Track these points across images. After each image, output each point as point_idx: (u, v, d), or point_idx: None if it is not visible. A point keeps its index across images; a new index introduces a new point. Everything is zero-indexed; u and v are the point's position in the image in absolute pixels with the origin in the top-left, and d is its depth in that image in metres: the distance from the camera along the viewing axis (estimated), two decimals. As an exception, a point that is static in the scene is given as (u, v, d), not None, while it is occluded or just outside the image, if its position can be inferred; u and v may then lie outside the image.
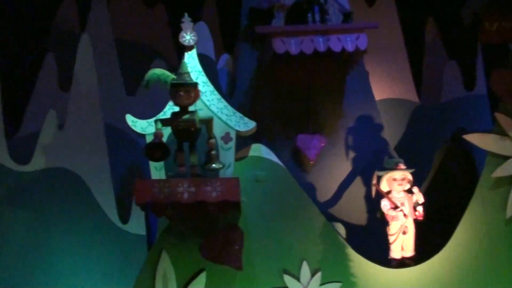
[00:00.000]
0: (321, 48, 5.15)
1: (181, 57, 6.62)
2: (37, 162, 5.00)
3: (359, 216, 5.21)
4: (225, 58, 6.16)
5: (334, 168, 5.47)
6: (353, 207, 5.26)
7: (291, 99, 5.53)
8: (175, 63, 6.63)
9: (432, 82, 7.07)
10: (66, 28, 7.05)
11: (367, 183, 5.37)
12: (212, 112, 4.27)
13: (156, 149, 3.83)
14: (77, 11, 7.21)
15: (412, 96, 6.80)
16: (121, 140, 6.06)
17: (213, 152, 4.04)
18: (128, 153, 6.06)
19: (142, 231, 5.28)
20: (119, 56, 6.74)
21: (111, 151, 5.49)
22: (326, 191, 5.38)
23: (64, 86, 6.39)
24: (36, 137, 5.20)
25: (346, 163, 5.50)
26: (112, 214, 5.19)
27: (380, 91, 6.36)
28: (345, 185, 5.44)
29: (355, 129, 5.62)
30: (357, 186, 5.39)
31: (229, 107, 4.35)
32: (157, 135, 3.90)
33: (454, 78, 6.71)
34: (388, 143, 5.68)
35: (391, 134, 6.06)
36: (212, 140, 4.03)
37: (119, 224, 5.19)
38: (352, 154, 5.54)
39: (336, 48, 5.16)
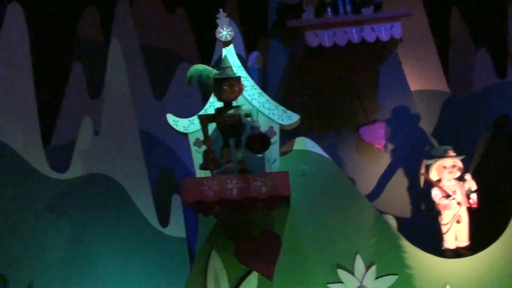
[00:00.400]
0: (355, 39, 5.00)
1: (204, 59, 6.62)
2: (76, 169, 4.90)
3: (404, 208, 5.05)
4: (254, 55, 6.02)
5: (372, 161, 5.33)
6: (396, 199, 5.10)
7: (326, 93, 5.41)
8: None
9: (461, 72, 6.92)
10: (90, 37, 7.02)
11: (409, 175, 5.21)
12: (254, 107, 4.14)
13: (257, 140, 3.75)
14: (99, 19, 7.20)
15: (442, 86, 6.64)
16: (153, 144, 5.99)
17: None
18: (160, 157, 5.99)
19: (182, 234, 5.18)
20: (144, 61, 6.68)
21: (145, 155, 5.39)
22: (366, 185, 5.25)
23: (93, 93, 6.36)
24: (71, 145, 5.12)
25: (384, 155, 5.36)
26: (152, 218, 5.09)
27: (411, 82, 6.23)
28: (386, 178, 5.29)
29: (391, 121, 5.48)
30: (399, 178, 5.24)
31: (271, 101, 4.21)
32: (254, 126, 3.84)
33: (485, 67, 6.55)
34: (427, 133, 5.53)
35: (426, 125, 5.92)
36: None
37: (159, 227, 5.10)
38: (390, 146, 5.40)
39: (370, 38, 5.01)
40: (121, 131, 5.23)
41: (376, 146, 5.30)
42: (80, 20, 7.12)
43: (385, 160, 5.35)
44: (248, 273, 3.99)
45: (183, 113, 4.90)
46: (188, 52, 7.30)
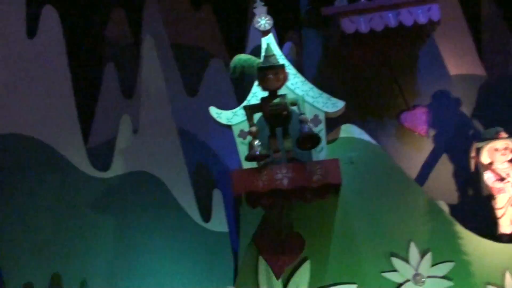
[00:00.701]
0: (392, 23, 4.85)
1: (232, 54, 6.55)
2: (117, 168, 4.84)
3: (452, 194, 4.88)
4: (288, 46, 5.90)
5: (415, 148, 5.18)
6: (443, 185, 4.94)
7: (363, 80, 5.27)
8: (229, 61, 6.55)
9: (495, 55, 6.72)
10: (119, 38, 6.98)
11: (454, 160, 5.05)
12: (299, 96, 4.02)
13: (307, 139, 3.64)
14: (127, 20, 7.16)
15: (478, 70, 6.43)
16: (188, 141, 5.93)
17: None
18: (196, 153, 5.92)
19: (225, 228, 5.09)
20: (175, 59, 6.62)
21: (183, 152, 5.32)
22: (409, 172, 5.07)
23: (127, 93, 6.32)
24: (110, 144, 5.07)
25: (427, 141, 5.20)
26: (194, 213, 5.00)
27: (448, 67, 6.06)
28: (431, 164, 5.13)
29: (432, 106, 5.32)
30: (444, 164, 5.08)
31: (314, 88, 4.09)
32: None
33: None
34: (469, 117, 5.36)
35: (466, 109, 5.74)
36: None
37: (201, 223, 5.02)
38: (432, 132, 5.24)
39: (408, 21, 4.85)
40: (159, 128, 5.16)
41: (418, 132, 5.14)
42: (109, 21, 7.07)
43: (427, 146, 5.20)
44: (300, 265, 3.87)
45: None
46: (217, 47, 7.23)
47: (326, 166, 3.66)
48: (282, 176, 3.65)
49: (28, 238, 3.76)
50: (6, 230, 3.55)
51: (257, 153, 3.65)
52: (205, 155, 5.96)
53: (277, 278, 3.89)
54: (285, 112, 3.74)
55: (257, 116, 3.87)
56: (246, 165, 3.97)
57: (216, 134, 5.77)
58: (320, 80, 5.54)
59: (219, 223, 5.07)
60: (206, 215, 5.12)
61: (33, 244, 3.76)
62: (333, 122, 4.26)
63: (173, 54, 6.64)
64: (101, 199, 4.62)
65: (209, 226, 5.04)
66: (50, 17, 5.13)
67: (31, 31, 5.03)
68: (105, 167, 4.85)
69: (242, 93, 5.47)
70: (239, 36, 7.07)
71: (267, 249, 3.96)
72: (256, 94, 4.05)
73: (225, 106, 4.44)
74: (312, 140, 3.68)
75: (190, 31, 7.35)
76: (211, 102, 6.09)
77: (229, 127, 4.15)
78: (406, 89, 5.30)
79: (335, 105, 4.05)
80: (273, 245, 3.97)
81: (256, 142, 3.72)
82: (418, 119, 5.16)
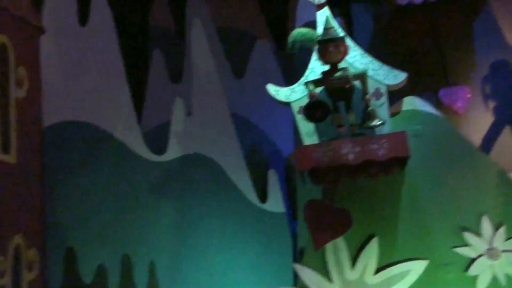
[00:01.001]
0: (447, -7, 4.65)
1: (277, 36, 6.40)
2: (173, 151, 4.77)
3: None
4: (338, 22, 5.72)
5: (476, 120, 4.94)
6: (507, 157, 4.70)
7: (417, 52, 5.05)
8: (273, 43, 6.42)
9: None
10: (164, 23, 6.91)
11: (517, 131, 4.81)
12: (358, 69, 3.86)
13: (316, 108, 3.47)
14: (169, 5, 7.09)
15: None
16: (238, 123, 5.84)
17: (370, 108, 3.61)
18: (247, 134, 5.83)
19: (281, 209, 4.99)
20: (221, 42, 6.53)
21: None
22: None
23: (174, 77, 6.27)
24: (164, 128, 5.02)
25: (487, 113, 4.96)
26: (250, 195, 4.92)
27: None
28: (492, 137, 4.89)
29: (491, 77, 5.06)
30: (507, 137, 4.84)
31: (374, 61, 3.91)
32: (313, 95, 3.52)
33: None
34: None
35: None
36: (369, 96, 3.60)
37: (258, 204, 4.93)
38: (492, 104, 5.00)
39: (462, -10, 4.64)
40: (212, 110, 5.08)
41: (455, 109, 4.88)
42: (153, 6, 7.01)
43: (488, 119, 4.96)
44: (368, 240, 3.73)
45: (263, 92, 4.69)
46: (262, 29, 7.07)
47: (393, 139, 3.51)
48: (348, 151, 3.51)
49: (97, 222, 3.75)
50: (76, 216, 3.55)
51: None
52: (256, 137, 5.87)
53: (316, 249, 3.79)
54: (347, 86, 3.60)
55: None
56: (308, 142, 3.88)
57: (265, 116, 5.67)
58: (372, 54, 5.41)
59: (275, 203, 4.96)
60: (262, 196, 5.08)
61: (102, 228, 3.74)
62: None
63: (218, 37, 6.58)
64: (159, 182, 4.57)
65: (266, 206, 4.96)
66: (100, 4, 5.11)
67: (83, 19, 5.02)
68: (161, 150, 4.84)
69: (291, 72, 5.35)
70: (282, 16, 6.94)
71: (313, 218, 3.86)
72: (314, 69, 3.91)
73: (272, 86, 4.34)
74: (321, 109, 3.51)
75: (235, 13, 7.26)
76: (258, 83, 6.01)
77: (287, 104, 4.04)
78: (461, 61, 5.07)
79: (397, 77, 3.86)
80: (320, 217, 3.86)
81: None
82: (458, 97, 4.91)
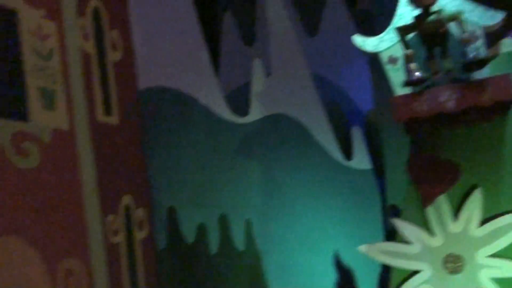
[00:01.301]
0: None
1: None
2: (255, 112, 4.71)
3: None
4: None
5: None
6: None
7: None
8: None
9: None
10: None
11: None
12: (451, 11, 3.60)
13: (475, 63, 3.29)
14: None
15: None
16: (318, 80, 5.69)
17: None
18: (325, 92, 5.68)
19: (367, 166, 4.86)
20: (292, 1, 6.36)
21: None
22: None
23: (247, 40, 6.18)
24: (243, 90, 4.96)
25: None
26: (335, 153, 4.81)
27: None
28: None
29: None
30: None
31: (468, 1, 3.64)
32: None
33: None
34: None
35: None
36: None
37: (343, 161, 4.82)
38: None
39: None
40: (291, 69, 4.96)
41: None
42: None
43: None
44: (470, 193, 3.54)
45: (338, 48, 4.50)
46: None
47: (496, 83, 3.25)
48: (447, 98, 3.29)
49: (193, 183, 3.77)
50: (173, 177, 3.59)
51: (416, 76, 3.34)
52: (334, 94, 5.72)
53: (425, 206, 3.62)
54: (442, 29, 3.36)
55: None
56: (400, 92, 3.70)
57: (343, 72, 5.50)
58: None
59: (361, 160, 4.84)
60: (347, 153, 4.97)
61: (198, 188, 3.77)
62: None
63: (289, -5, 6.42)
64: (245, 144, 4.55)
65: (352, 164, 4.87)
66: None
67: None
68: (243, 112, 4.79)
69: (365, 25, 5.12)
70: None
71: (419, 173, 3.68)
72: (403, 15, 3.69)
73: (347, 42, 4.16)
74: (480, 64, 3.30)
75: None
76: (332, 39, 5.86)
77: (375, 55, 3.86)
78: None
79: (493, 18, 3.58)
80: (426, 171, 3.67)
81: (413, 65, 3.41)
82: None
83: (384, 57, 3.83)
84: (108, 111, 2.80)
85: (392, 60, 3.76)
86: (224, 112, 4.70)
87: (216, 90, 4.85)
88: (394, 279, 3.85)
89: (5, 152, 2.34)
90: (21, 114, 2.44)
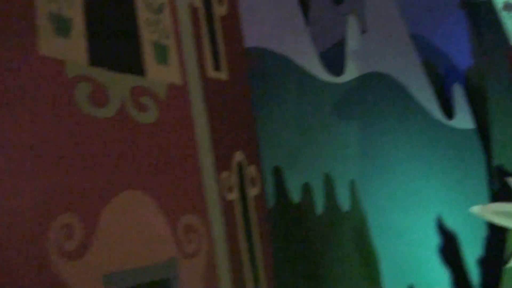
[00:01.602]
0: None
1: None
2: (351, 71, 4.47)
3: None
4: None
5: None
6: None
7: None
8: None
9: None
10: None
11: None
12: None
13: None
14: None
15: None
16: (414, 38, 5.34)
17: None
18: (423, 49, 5.33)
19: (470, 125, 4.53)
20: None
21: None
22: None
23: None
24: (336, 48, 4.72)
25: None
26: (435, 112, 4.52)
27: None
28: None
29: None
30: None
31: None
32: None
33: None
34: None
35: None
36: None
37: (444, 121, 4.52)
38: None
39: None
40: (386, 26, 4.67)
41: None
42: None
43: None
44: None
45: (434, 3, 4.12)
46: None
47: None
48: None
49: (295, 143, 3.63)
50: (277, 139, 3.46)
51: None
52: (432, 52, 5.37)
53: None
54: None
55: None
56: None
57: (439, 29, 5.14)
58: None
59: (463, 119, 4.54)
60: (448, 112, 4.66)
61: (300, 148, 3.63)
62: None
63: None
64: (341, 104, 4.34)
65: (453, 123, 4.56)
66: None
67: None
68: (338, 71, 4.57)
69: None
70: None
71: None
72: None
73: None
74: None
75: None
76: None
77: (477, 6, 3.53)
78: None
79: None
80: None
81: None
82: None
83: (499, 3, 3.50)
84: (217, 66, 2.69)
85: (507, 7, 3.42)
86: (319, 72, 4.56)
87: (310, 49, 4.66)
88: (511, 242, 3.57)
89: (125, 107, 2.29)
90: (138, 69, 2.38)
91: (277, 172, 3.29)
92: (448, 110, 4.70)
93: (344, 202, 3.63)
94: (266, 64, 4.27)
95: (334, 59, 4.83)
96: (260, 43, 4.39)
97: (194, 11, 2.61)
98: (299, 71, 4.45)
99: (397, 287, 3.84)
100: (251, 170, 2.73)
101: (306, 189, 3.40)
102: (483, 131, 4.62)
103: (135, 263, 2.15)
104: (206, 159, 2.51)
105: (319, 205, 3.42)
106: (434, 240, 4.28)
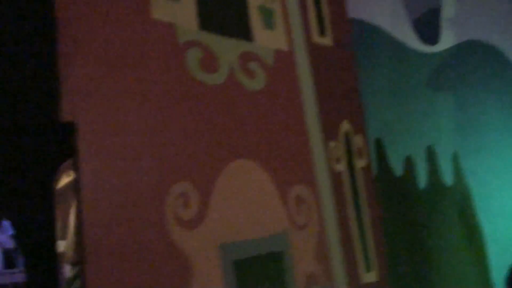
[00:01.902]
0: None
1: None
2: (447, 39, 4.15)
3: None
4: None
5: None
6: None
7: None
8: None
9: None
10: None
11: None
12: None
13: None
14: None
15: None
16: None
17: None
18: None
19: None
20: None
21: None
22: None
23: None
24: (430, 16, 4.39)
25: None
26: (540, 82, 4.13)
27: None
28: None
29: None
30: None
31: None
32: None
33: None
34: None
35: None
36: None
37: (550, 91, 4.13)
38: None
39: None
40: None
41: None
42: None
43: None
44: None
45: None
46: None
47: None
48: None
49: (393, 116, 3.41)
50: (376, 111, 3.26)
51: None
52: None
53: None
54: None
55: None
56: None
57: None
58: None
59: None
60: (554, 82, 4.25)
61: (401, 121, 3.41)
62: None
63: None
64: (437, 74, 4.04)
65: (559, 93, 4.18)
66: None
67: None
68: (433, 40, 4.25)
69: None
70: None
71: None
72: None
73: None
74: None
75: None
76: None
77: None
78: None
79: None
80: None
81: None
82: None
83: None
84: (322, 31, 2.51)
85: None
86: (413, 41, 4.26)
87: (403, 18, 4.37)
88: None
89: (234, 73, 2.17)
90: (245, 34, 2.25)
91: (378, 145, 3.10)
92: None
93: (447, 176, 3.37)
94: (359, 35, 4.04)
95: (428, 26, 4.51)
96: (353, 14, 4.16)
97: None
98: (392, 42, 4.18)
99: (503, 264, 3.56)
100: (358, 140, 2.54)
101: (408, 162, 3.19)
102: None
103: (249, 234, 2.04)
104: (314, 128, 2.35)
105: (422, 179, 3.20)
106: (539, 218, 3.94)
